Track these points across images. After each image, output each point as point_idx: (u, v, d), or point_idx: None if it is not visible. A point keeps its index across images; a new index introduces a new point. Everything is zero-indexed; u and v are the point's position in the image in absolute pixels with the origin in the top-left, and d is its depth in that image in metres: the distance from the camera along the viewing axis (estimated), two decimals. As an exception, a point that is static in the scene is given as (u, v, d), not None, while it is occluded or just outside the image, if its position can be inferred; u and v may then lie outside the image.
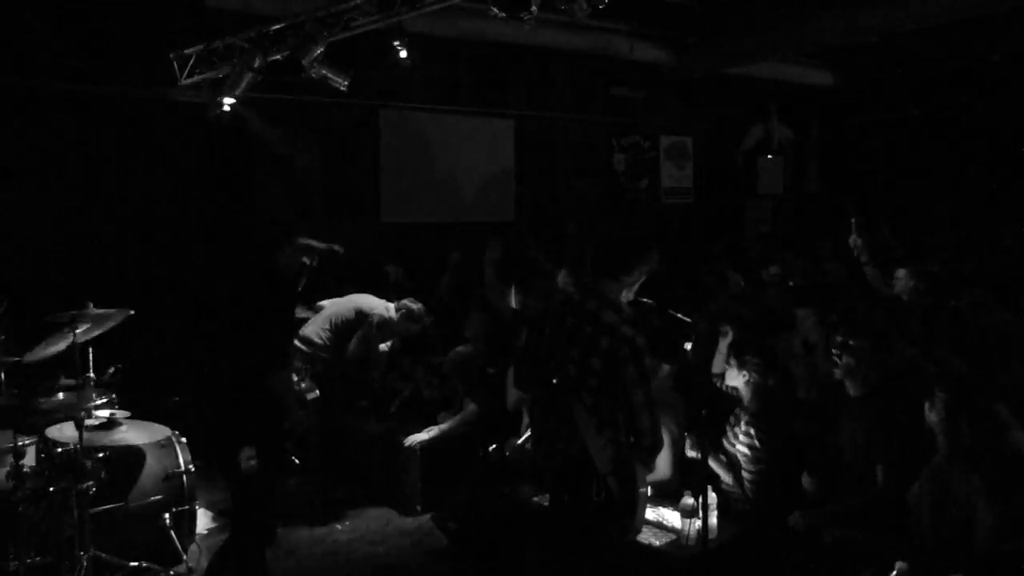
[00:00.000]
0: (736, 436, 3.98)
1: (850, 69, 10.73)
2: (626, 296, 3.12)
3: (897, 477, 3.29)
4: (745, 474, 3.89)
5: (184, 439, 4.78)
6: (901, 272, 5.54)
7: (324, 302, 6.11)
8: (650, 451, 2.99)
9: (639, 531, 3.30)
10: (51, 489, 4.05)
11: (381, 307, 5.95)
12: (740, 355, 4.02)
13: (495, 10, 4.38)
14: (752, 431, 3.92)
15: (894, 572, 2.77)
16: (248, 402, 3.52)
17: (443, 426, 5.34)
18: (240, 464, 3.51)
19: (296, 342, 5.62)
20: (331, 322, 5.86)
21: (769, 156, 13.01)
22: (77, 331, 4.23)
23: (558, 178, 11.90)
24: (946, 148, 11.78)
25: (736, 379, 4.02)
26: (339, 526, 5.20)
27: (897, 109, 11.93)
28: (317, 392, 5.53)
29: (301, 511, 5.40)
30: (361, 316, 5.86)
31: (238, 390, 3.56)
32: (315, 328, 5.86)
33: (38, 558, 4.01)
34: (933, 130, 11.84)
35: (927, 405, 3.15)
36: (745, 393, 4.01)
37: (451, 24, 7.47)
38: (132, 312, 4.75)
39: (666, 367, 4.16)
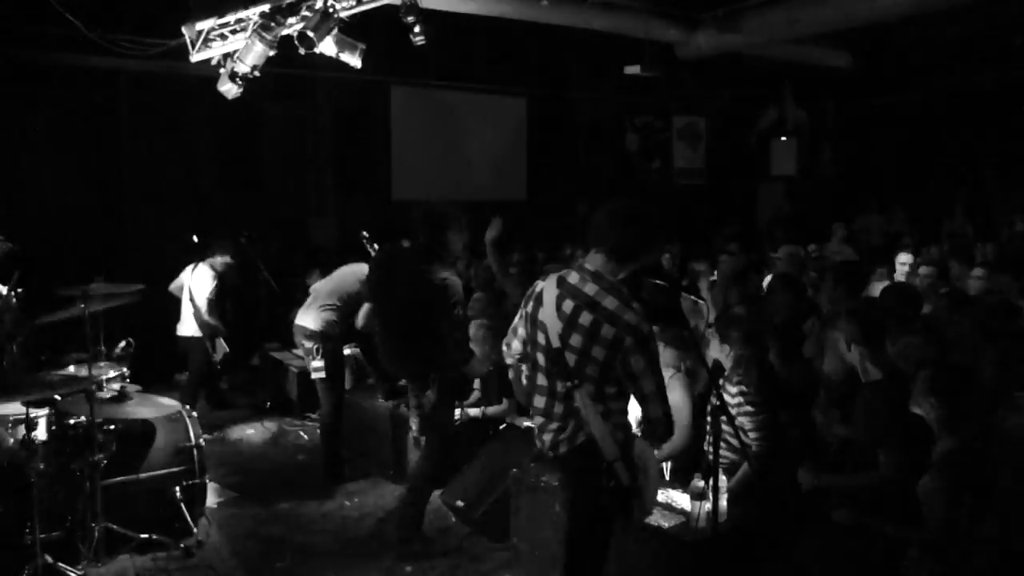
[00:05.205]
0: (729, 400, 3.92)
1: (868, 50, 10.56)
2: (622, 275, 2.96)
3: (902, 465, 3.25)
4: (751, 432, 3.84)
5: (194, 414, 4.80)
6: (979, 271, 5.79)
7: (317, 283, 5.98)
8: (662, 438, 2.94)
9: (650, 512, 3.29)
10: (71, 465, 4.09)
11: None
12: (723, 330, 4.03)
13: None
14: (737, 386, 3.92)
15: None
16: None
17: (490, 409, 5.29)
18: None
19: (306, 323, 5.57)
20: (338, 297, 5.67)
21: (783, 138, 12.86)
22: (86, 305, 4.23)
23: (570, 157, 11.81)
24: (964, 131, 11.62)
25: (718, 352, 4.03)
26: (347, 503, 5.23)
27: (915, 91, 11.76)
28: (324, 374, 5.50)
29: (311, 487, 5.45)
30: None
31: None
32: (319, 305, 5.64)
33: (53, 533, 4.03)
34: (951, 113, 11.68)
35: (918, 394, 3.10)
36: (727, 363, 4.01)
37: (465, 0, 7.39)
38: (143, 287, 4.76)
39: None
